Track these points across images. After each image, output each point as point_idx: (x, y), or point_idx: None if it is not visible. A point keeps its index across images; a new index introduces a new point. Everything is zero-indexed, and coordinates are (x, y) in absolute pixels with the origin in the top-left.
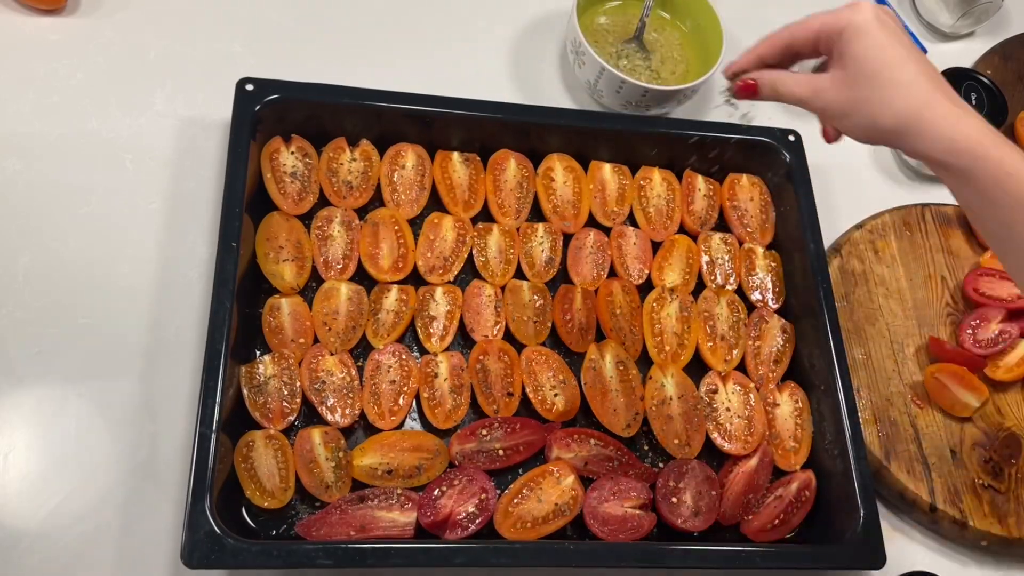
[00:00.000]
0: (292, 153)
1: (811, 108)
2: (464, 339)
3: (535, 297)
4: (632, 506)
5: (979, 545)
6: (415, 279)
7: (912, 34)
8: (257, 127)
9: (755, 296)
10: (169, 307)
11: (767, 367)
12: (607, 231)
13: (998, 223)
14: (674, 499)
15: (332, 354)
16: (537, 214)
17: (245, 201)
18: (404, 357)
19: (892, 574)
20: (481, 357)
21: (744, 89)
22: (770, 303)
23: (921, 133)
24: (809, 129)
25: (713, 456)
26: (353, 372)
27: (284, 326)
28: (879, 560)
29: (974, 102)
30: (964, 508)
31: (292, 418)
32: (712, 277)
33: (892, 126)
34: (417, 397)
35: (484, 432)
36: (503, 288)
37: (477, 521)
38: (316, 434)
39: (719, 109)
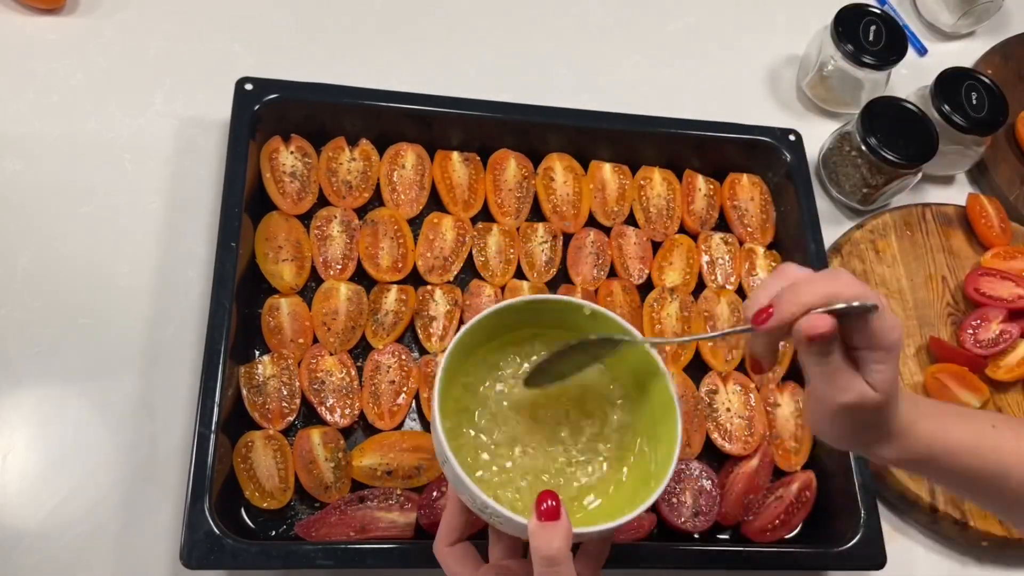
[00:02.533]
0: (291, 153)
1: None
2: None
3: None
4: None
5: (979, 545)
6: (415, 279)
7: (912, 34)
8: (256, 127)
9: None
10: (168, 307)
11: None
12: (607, 231)
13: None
14: (674, 499)
15: (331, 354)
16: (537, 214)
17: (244, 201)
18: (403, 357)
19: (892, 575)
20: None
21: (760, 315)
22: None
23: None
24: (809, 129)
25: (713, 456)
26: (352, 372)
27: (283, 326)
28: (880, 560)
29: (974, 102)
30: (964, 508)
31: (291, 418)
32: (712, 277)
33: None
34: (417, 397)
35: None
36: (503, 288)
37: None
38: (315, 434)
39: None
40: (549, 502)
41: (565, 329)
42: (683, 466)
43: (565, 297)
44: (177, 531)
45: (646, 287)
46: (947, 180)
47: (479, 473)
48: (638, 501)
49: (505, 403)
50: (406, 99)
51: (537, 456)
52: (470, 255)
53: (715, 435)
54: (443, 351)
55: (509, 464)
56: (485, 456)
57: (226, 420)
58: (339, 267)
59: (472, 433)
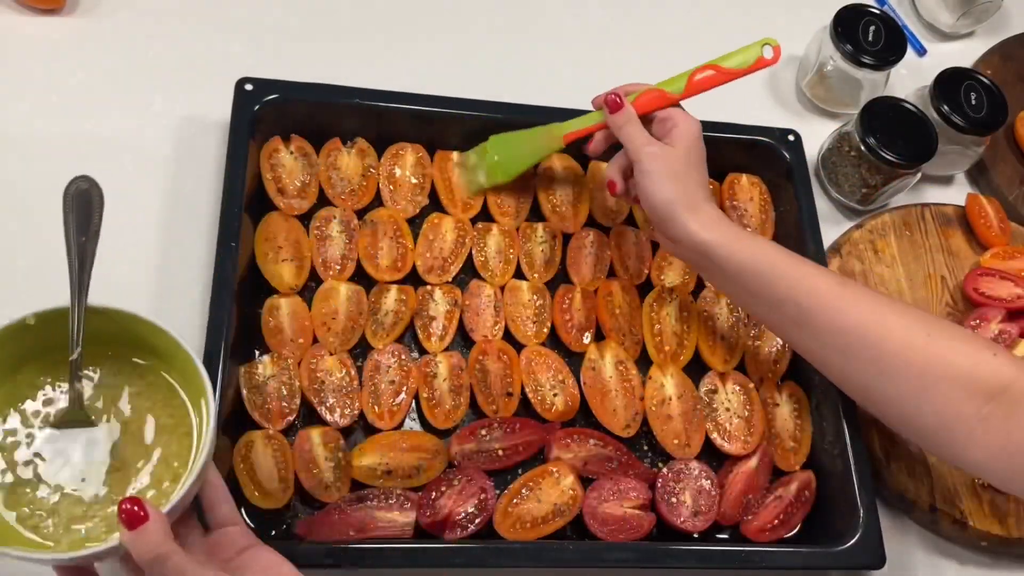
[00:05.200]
0: (291, 153)
1: (635, 157)
2: (463, 339)
3: (535, 297)
4: (632, 506)
5: (979, 545)
6: (414, 279)
7: (911, 34)
8: (256, 127)
9: None
10: (168, 307)
11: (767, 367)
12: (607, 231)
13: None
14: (674, 499)
15: (331, 354)
16: (537, 214)
17: (244, 201)
18: (403, 357)
19: (892, 574)
20: (480, 357)
21: (609, 102)
22: None
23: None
24: (808, 129)
25: (713, 456)
26: (352, 372)
27: (283, 326)
28: (879, 560)
29: (974, 102)
30: (964, 508)
31: (291, 418)
32: None
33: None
34: (416, 397)
35: (483, 432)
36: (502, 288)
37: (476, 521)
38: (315, 434)
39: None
40: (131, 507)
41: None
42: (682, 466)
43: (8, 321)
44: None
45: (645, 287)
46: (946, 180)
47: (29, 527)
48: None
49: (40, 441)
50: (406, 99)
51: (86, 482)
52: (470, 255)
53: (714, 435)
54: (443, 350)
55: (61, 499)
56: (36, 507)
57: (226, 420)
58: (339, 267)
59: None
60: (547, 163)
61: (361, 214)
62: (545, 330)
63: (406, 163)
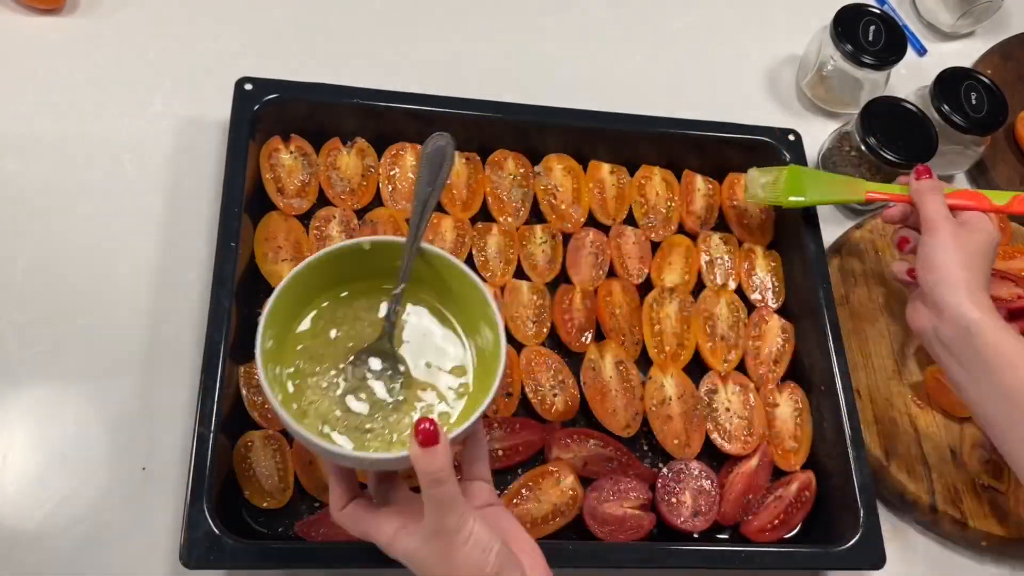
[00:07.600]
0: (291, 153)
1: (930, 224)
2: None
3: (535, 297)
4: (632, 506)
5: (979, 545)
6: None
7: (911, 34)
8: (256, 127)
9: (755, 296)
10: (168, 307)
11: (767, 367)
12: (606, 231)
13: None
14: (674, 499)
15: None
16: (536, 214)
17: (244, 201)
18: None
19: (891, 574)
20: None
21: (919, 170)
22: (770, 303)
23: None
24: (808, 129)
25: (713, 456)
26: None
27: None
28: (879, 560)
29: (974, 102)
30: (964, 508)
31: None
32: (712, 277)
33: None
34: None
35: None
36: (502, 288)
37: None
38: None
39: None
40: (428, 426)
41: (382, 274)
42: (683, 466)
43: (348, 242)
44: (177, 531)
45: (646, 287)
46: (946, 180)
47: (326, 429)
48: (488, 385)
49: (347, 358)
50: (406, 99)
51: (384, 395)
52: (470, 255)
53: (714, 435)
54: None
55: (359, 409)
56: (337, 412)
57: (226, 420)
58: None
59: (319, 391)
60: (547, 163)
61: (361, 214)
62: (545, 330)
63: (406, 163)
